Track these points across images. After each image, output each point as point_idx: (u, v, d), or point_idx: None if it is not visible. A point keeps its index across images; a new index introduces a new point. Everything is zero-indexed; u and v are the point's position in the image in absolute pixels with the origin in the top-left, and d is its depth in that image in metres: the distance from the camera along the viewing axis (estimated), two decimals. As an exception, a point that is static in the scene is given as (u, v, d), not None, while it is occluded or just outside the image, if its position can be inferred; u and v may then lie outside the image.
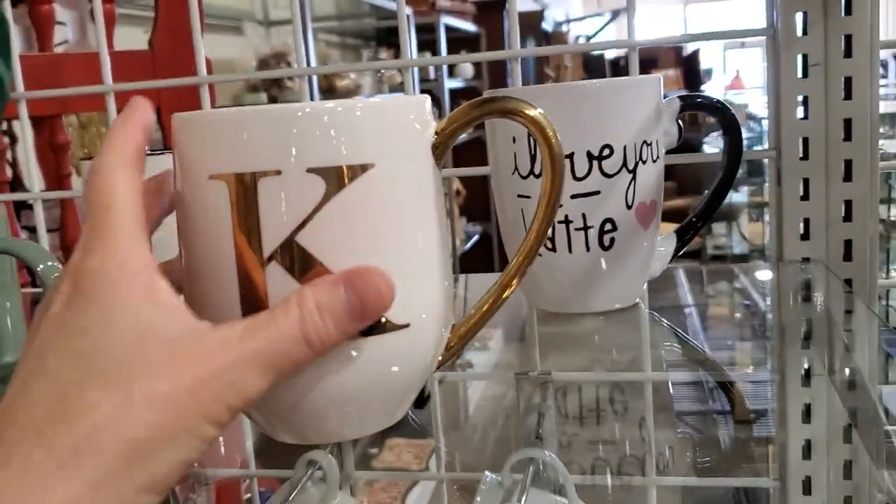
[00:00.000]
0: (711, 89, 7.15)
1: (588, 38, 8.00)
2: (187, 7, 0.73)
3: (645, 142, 0.51)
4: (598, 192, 0.51)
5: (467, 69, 4.45)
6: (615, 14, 9.35)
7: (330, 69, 2.30)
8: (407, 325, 0.34)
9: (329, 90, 3.20)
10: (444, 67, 3.74)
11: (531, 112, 0.36)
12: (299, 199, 0.32)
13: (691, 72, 7.50)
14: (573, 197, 0.51)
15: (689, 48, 7.93)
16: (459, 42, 4.19)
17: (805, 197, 0.63)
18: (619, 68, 9.13)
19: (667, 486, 0.61)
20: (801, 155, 0.63)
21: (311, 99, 2.53)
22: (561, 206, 0.50)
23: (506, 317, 0.57)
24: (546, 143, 0.36)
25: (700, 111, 0.55)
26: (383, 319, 0.34)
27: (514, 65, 0.68)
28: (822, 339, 0.61)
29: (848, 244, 0.64)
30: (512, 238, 0.54)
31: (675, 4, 10.26)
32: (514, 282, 0.38)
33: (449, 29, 3.90)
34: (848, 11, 0.61)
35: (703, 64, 7.62)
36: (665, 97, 0.54)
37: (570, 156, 0.50)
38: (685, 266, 0.75)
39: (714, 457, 0.72)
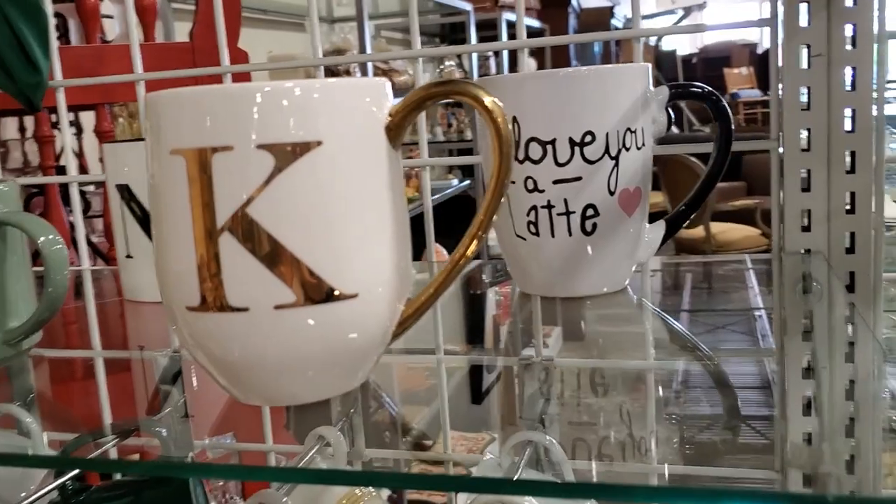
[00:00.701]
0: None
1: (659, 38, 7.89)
2: (226, 2, 0.76)
3: (629, 129, 0.52)
4: (579, 178, 0.52)
5: (530, 65, 4.45)
6: (687, 11, 9.21)
7: (383, 56, 2.32)
8: (356, 295, 0.36)
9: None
10: (506, 62, 3.74)
11: (482, 96, 0.37)
12: (250, 173, 0.35)
13: (766, 69, 7.32)
14: (555, 182, 0.52)
15: (765, 46, 7.77)
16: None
17: (807, 189, 0.63)
18: (690, 65, 8.99)
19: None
20: (803, 146, 0.63)
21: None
22: (543, 191, 0.52)
23: (565, 315, 0.58)
24: (490, 120, 0.37)
25: (690, 99, 0.56)
26: (334, 290, 0.36)
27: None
28: (824, 331, 0.61)
29: (852, 236, 0.63)
30: (500, 224, 0.56)
31: (751, 1, 10.06)
32: (464, 260, 0.39)
33: (511, 25, 3.90)
34: (855, 1, 0.61)
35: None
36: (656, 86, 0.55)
37: (553, 142, 0.51)
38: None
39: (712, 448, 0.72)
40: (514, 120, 0.52)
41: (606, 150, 0.51)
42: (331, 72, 2.95)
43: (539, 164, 0.51)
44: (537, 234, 0.53)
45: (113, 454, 0.53)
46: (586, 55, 5.20)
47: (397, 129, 0.38)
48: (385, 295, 0.38)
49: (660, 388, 0.59)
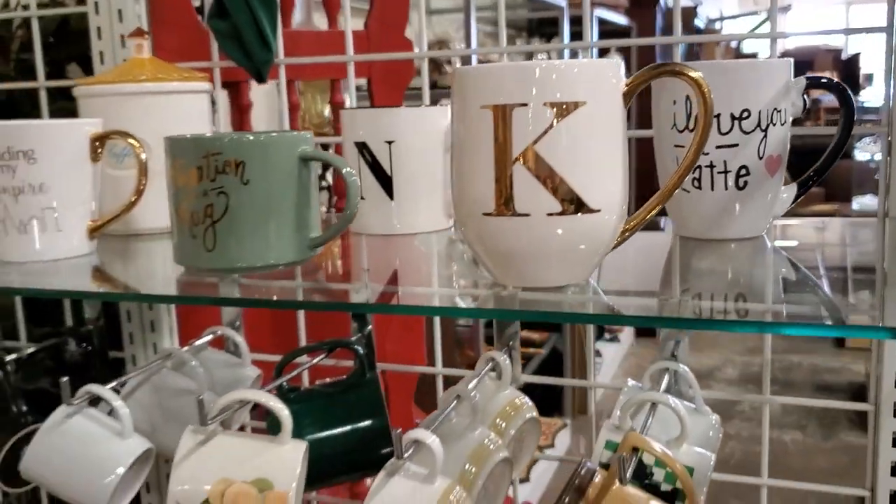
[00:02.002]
0: (872, 96, 6.91)
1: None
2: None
3: (776, 108, 0.67)
4: (737, 145, 0.67)
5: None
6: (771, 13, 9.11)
7: (491, 51, 2.48)
8: (599, 210, 0.52)
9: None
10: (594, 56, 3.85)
11: (694, 74, 0.53)
12: (537, 122, 0.51)
13: (850, 76, 7.24)
14: (718, 147, 0.67)
15: (850, 52, 7.74)
16: (611, 35, 4.31)
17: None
18: (770, 68, 8.93)
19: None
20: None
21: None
22: (707, 153, 0.67)
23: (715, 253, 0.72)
24: (702, 97, 0.53)
25: (822, 89, 0.71)
26: (586, 205, 0.52)
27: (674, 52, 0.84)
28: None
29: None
30: (667, 177, 0.71)
31: (837, 5, 9.96)
32: (669, 194, 0.55)
33: (601, 22, 4.02)
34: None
35: (865, 69, 7.37)
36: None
37: (717, 116, 0.66)
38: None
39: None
40: (687, 98, 0.67)
41: (758, 124, 0.67)
42: (433, 61, 3.12)
43: (706, 132, 0.67)
44: (700, 188, 0.68)
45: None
46: (670, 52, 5.27)
47: (629, 95, 0.54)
48: (616, 212, 0.54)
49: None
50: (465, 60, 3.05)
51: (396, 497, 0.70)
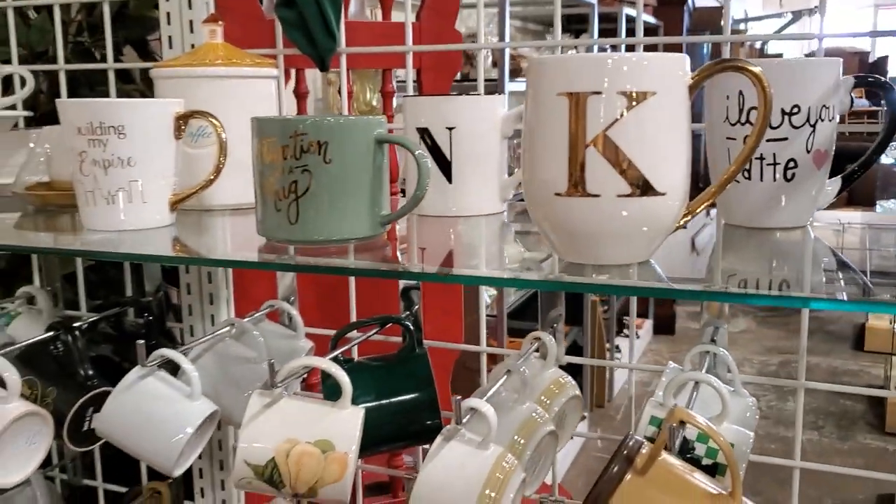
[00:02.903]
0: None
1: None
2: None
3: (824, 105, 0.71)
4: (786, 139, 0.71)
5: (643, 60, 4.59)
6: (797, 15, 9.12)
7: (526, 44, 2.52)
8: (665, 193, 0.57)
9: (515, 71, 3.43)
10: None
11: (756, 69, 0.57)
12: (610, 109, 0.55)
13: (878, 79, 7.18)
14: (768, 140, 0.71)
15: (876, 55, 7.73)
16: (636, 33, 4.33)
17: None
18: (795, 70, 8.91)
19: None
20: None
21: (503, 75, 2.76)
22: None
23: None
24: (762, 92, 0.57)
25: (869, 87, 0.74)
26: (653, 188, 0.56)
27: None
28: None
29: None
30: (718, 167, 0.75)
31: (866, 8, 9.92)
32: (727, 182, 0.59)
33: (630, 20, 4.05)
34: None
35: (893, 72, 7.35)
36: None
37: (768, 111, 0.70)
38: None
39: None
40: (740, 93, 0.71)
41: (808, 119, 0.71)
42: (466, 54, 3.16)
43: (757, 126, 0.71)
44: (749, 178, 0.73)
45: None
46: (695, 53, 5.31)
47: (693, 88, 0.58)
48: (680, 196, 0.58)
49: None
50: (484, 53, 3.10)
51: (453, 460, 0.74)
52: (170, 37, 1.06)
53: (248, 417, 0.80)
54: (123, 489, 1.26)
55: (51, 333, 1.01)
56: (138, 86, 1.54)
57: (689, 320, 4.76)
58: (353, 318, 1.09)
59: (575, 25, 4.78)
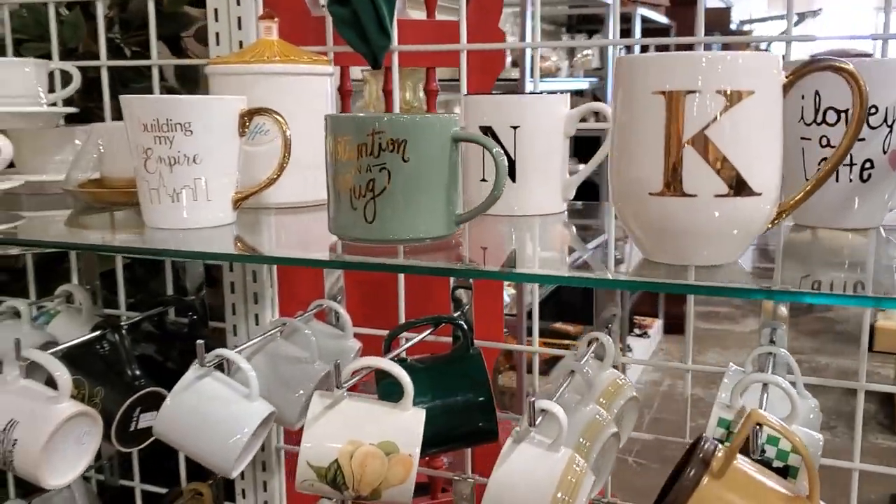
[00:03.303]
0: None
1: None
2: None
3: (902, 106, 0.70)
4: (863, 139, 0.70)
5: (654, 60, 4.59)
6: (801, 17, 9.11)
7: (554, 44, 2.51)
8: (760, 194, 0.56)
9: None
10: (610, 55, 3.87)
11: (851, 69, 0.56)
12: (709, 108, 0.54)
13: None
14: (844, 141, 0.70)
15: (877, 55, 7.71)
16: (651, 33, 4.33)
17: None
18: (801, 71, 8.91)
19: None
20: None
21: (524, 75, 2.75)
22: (833, 147, 0.71)
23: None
24: (857, 86, 0.56)
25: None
26: (750, 188, 0.55)
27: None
28: None
29: None
30: (791, 168, 0.74)
31: (868, 11, 9.92)
32: (823, 181, 0.59)
33: (644, 20, 4.04)
34: None
35: None
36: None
37: (846, 111, 0.70)
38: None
39: None
40: (817, 93, 0.71)
41: (885, 120, 0.70)
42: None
43: (833, 126, 0.70)
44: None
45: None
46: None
47: (788, 87, 0.57)
48: (773, 196, 0.57)
49: None
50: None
51: (525, 462, 0.74)
52: (217, 33, 1.05)
53: (310, 419, 0.79)
54: (161, 490, 1.25)
55: (97, 333, 1.00)
56: (166, 82, 1.53)
57: (699, 320, 4.76)
58: (402, 319, 1.08)
59: (586, 26, 4.78)
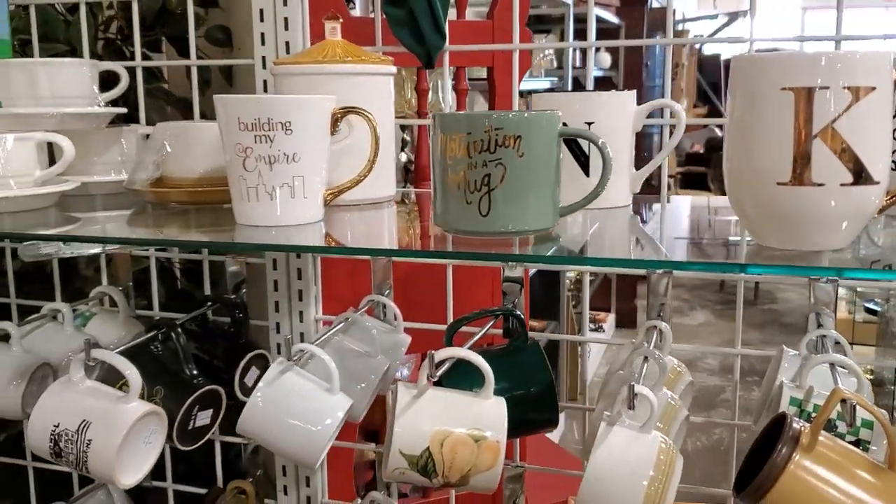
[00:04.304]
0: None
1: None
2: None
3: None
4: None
5: (605, 59, 4.69)
6: (732, 16, 9.37)
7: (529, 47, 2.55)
8: (878, 182, 0.60)
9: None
10: (593, 56, 3.96)
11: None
12: (837, 103, 0.58)
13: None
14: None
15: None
16: (601, 33, 4.42)
17: None
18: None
19: None
20: None
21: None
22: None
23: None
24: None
25: None
26: (871, 177, 0.59)
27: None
28: None
29: None
30: None
31: (794, 10, 10.26)
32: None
33: (600, 20, 4.13)
34: None
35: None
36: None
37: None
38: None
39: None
40: None
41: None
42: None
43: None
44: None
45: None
46: (651, 51, 5.43)
47: (897, 83, 0.62)
48: (886, 184, 0.62)
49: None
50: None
51: (620, 444, 0.77)
52: (262, 34, 1.06)
53: (399, 409, 0.81)
54: (194, 490, 1.25)
55: (153, 332, 1.00)
56: (160, 83, 1.52)
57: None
58: (451, 312, 1.10)
59: (540, 26, 4.86)
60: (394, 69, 0.94)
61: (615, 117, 0.86)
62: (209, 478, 1.24)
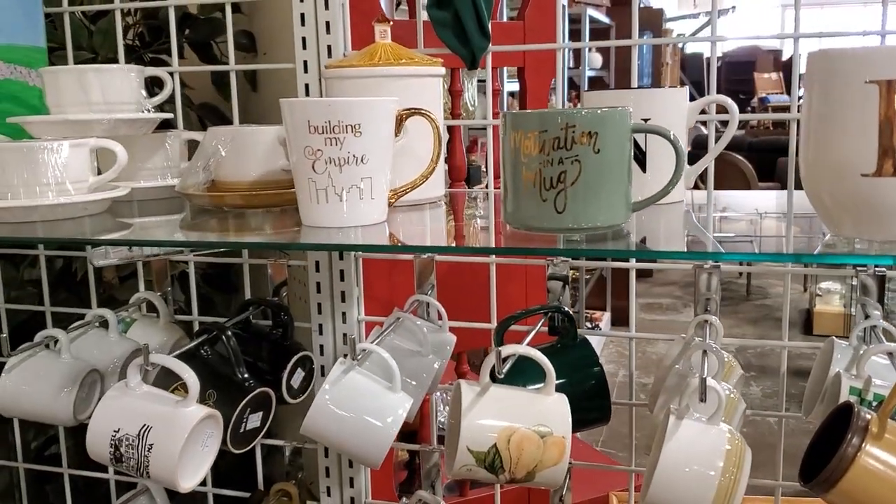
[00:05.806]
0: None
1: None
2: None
3: None
4: None
5: (597, 59, 4.72)
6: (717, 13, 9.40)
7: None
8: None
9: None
10: (586, 56, 3.99)
11: None
12: (923, 94, 0.60)
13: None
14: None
15: (788, 53, 8.09)
16: (593, 33, 4.45)
17: None
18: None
19: None
20: None
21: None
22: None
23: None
24: None
25: None
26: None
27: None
28: None
29: None
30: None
31: (773, 9, 10.36)
32: None
33: (592, 21, 4.15)
34: None
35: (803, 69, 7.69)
36: None
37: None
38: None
39: None
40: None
41: None
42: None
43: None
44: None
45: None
46: (638, 51, 5.46)
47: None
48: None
49: None
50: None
51: (690, 437, 0.78)
52: (303, 38, 1.06)
53: (465, 406, 0.81)
54: (233, 493, 1.25)
55: (204, 336, 1.01)
56: (183, 88, 1.52)
57: (642, 311, 4.89)
58: (495, 311, 1.11)
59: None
60: (443, 70, 0.95)
61: (670, 113, 0.87)
62: (243, 482, 1.25)
